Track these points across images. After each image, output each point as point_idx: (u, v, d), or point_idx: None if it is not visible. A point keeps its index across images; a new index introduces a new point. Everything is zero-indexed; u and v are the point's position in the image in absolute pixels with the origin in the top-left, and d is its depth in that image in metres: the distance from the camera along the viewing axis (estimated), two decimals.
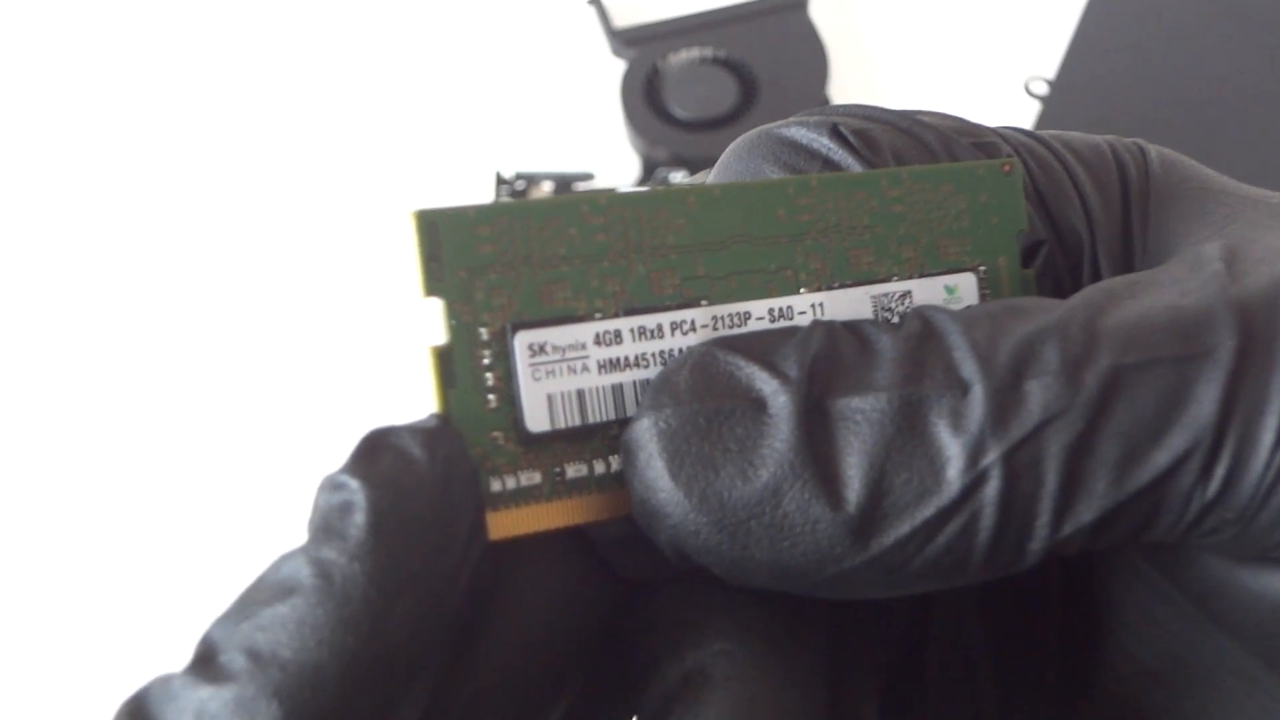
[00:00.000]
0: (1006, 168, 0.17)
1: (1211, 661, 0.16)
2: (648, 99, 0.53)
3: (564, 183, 0.52)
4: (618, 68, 0.54)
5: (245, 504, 0.45)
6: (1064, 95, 0.53)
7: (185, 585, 0.44)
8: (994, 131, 0.18)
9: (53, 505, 0.46)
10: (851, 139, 0.17)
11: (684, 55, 0.54)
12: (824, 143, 0.17)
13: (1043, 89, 0.53)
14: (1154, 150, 0.18)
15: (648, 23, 0.54)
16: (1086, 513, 0.14)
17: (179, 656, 0.13)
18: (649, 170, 0.53)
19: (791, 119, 0.17)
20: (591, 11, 0.56)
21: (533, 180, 0.52)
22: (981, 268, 0.17)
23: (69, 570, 0.45)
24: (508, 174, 0.52)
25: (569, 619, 0.15)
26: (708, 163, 0.56)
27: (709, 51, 0.54)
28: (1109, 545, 0.15)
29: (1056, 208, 0.17)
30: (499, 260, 0.15)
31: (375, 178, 0.53)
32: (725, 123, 0.52)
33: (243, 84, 0.56)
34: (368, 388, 0.47)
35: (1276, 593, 0.15)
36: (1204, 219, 0.17)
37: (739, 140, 0.18)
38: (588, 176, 0.53)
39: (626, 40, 0.54)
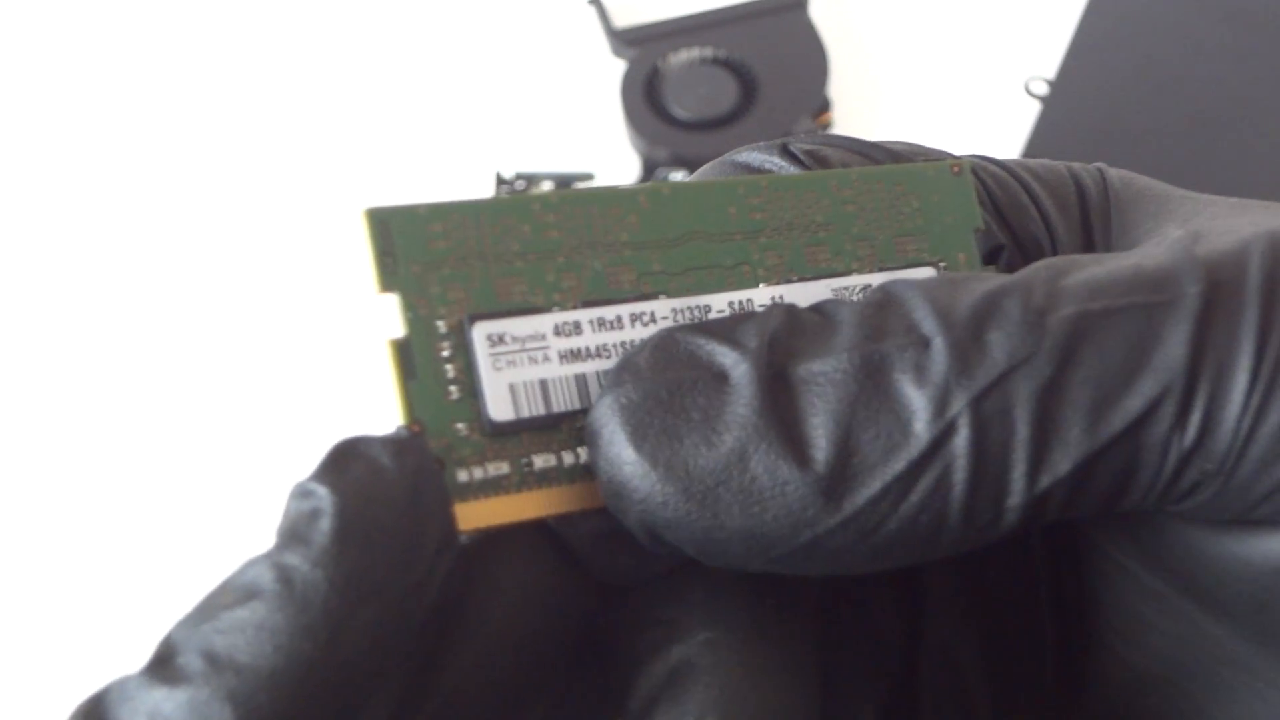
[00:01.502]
0: (955, 169, 0.17)
1: (1204, 656, 0.16)
2: (648, 99, 0.53)
3: (564, 183, 0.52)
4: (618, 68, 0.54)
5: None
6: (1064, 95, 0.53)
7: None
8: (947, 155, 0.18)
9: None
10: (801, 156, 0.17)
11: (684, 55, 0.54)
12: (774, 161, 0.17)
13: (1043, 89, 0.53)
14: (1114, 171, 0.18)
15: (648, 23, 0.54)
16: (1063, 461, 0.14)
17: (143, 656, 0.13)
18: (649, 170, 0.53)
19: (749, 145, 0.18)
20: (591, 11, 0.56)
21: (533, 180, 0.52)
22: (942, 264, 0.17)
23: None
24: (508, 174, 0.52)
25: (544, 623, 0.15)
26: (707, 162, 0.55)
27: (709, 51, 0.54)
28: (1090, 509, 0.14)
29: (1015, 219, 0.17)
30: (453, 255, 0.15)
31: (376, 178, 0.53)
32: (725, 123, 0.52)
33: (241, 84, 0.56)
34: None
35: (1265, 556, 0.15)
36: (1166, 218, 0.17)
37: (702, 168, 0.18)
38: (588, 176, 0.53)
39: (626, 40, 0.54)
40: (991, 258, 0.17)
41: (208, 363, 0.49)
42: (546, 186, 0.52)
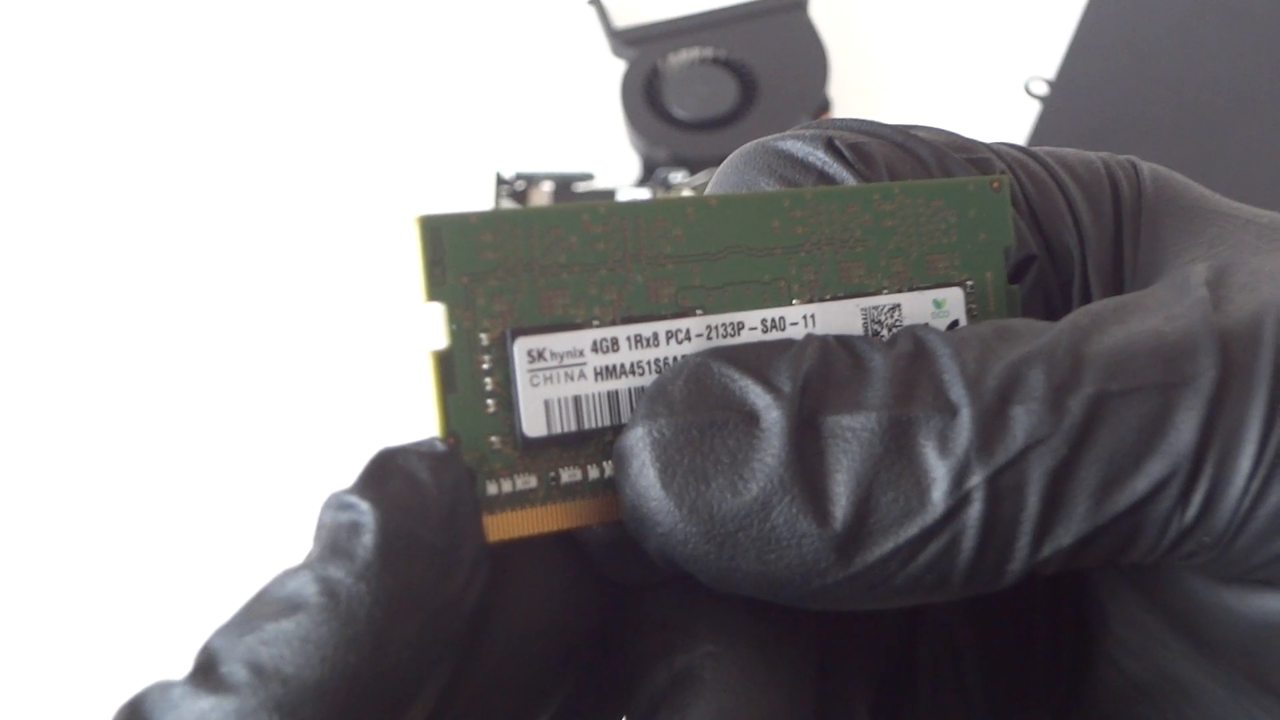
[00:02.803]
0: (995, 184, 0.17)
1: (1200, 674, 0.16)
2: (648, 99, 0.53)
3: (564, 183, 0.52)
4: (618, 68, 0.54)
5: (243, 506, 0.46)
6: (1064, 95, 0.53)
7: (183, 588, 0.44)
8: (988, 147, 0.18)
9: (56, 508, 0.46)
10: (846, 153, 0.17)
11: (684, 55, 0.54)
12: (819, 156, 0.17)
13: (1043, 89, 0.53)
14: (1147, 168, 0.18)
15: (648, 23, 0.54)
16: (1065, 536, 0.14)
17: (174, 659, 0.13)
18: (649, 170, 0.53)
19: (789, 132, 0.18)
20: (591, 11, 0.56)
21: (533, 180, 0.52)
22: (969, 282, 0.17)
23: (68, 572, 0.45)
24: (508, 174, 0.52)
25: (560, 622, 0.16)
26: (707, 163, 0.55)
27: (709, 51, 0.54)
28: (1087, 565, 0.15)
29: (1049, 223, 0.18)
30: (500, 266, 0.15)
31: (376, 178, 0.53)
32: (725, 123, 0.52)
33: (243, 87, 0.56)
34: (367, 391, 0.47)
35: (1257, 613, 0.15)
36: (1194, 238, 0.17)
37: (736, 152, 0.18)
38: (588, 177, 0.53)
39: (626, 40, 0.54)
40: (1022, 268, 0.18)
41: (206, 366, 0.49)
42: (546, 187, 0.52)
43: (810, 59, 0.54)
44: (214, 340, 0.49)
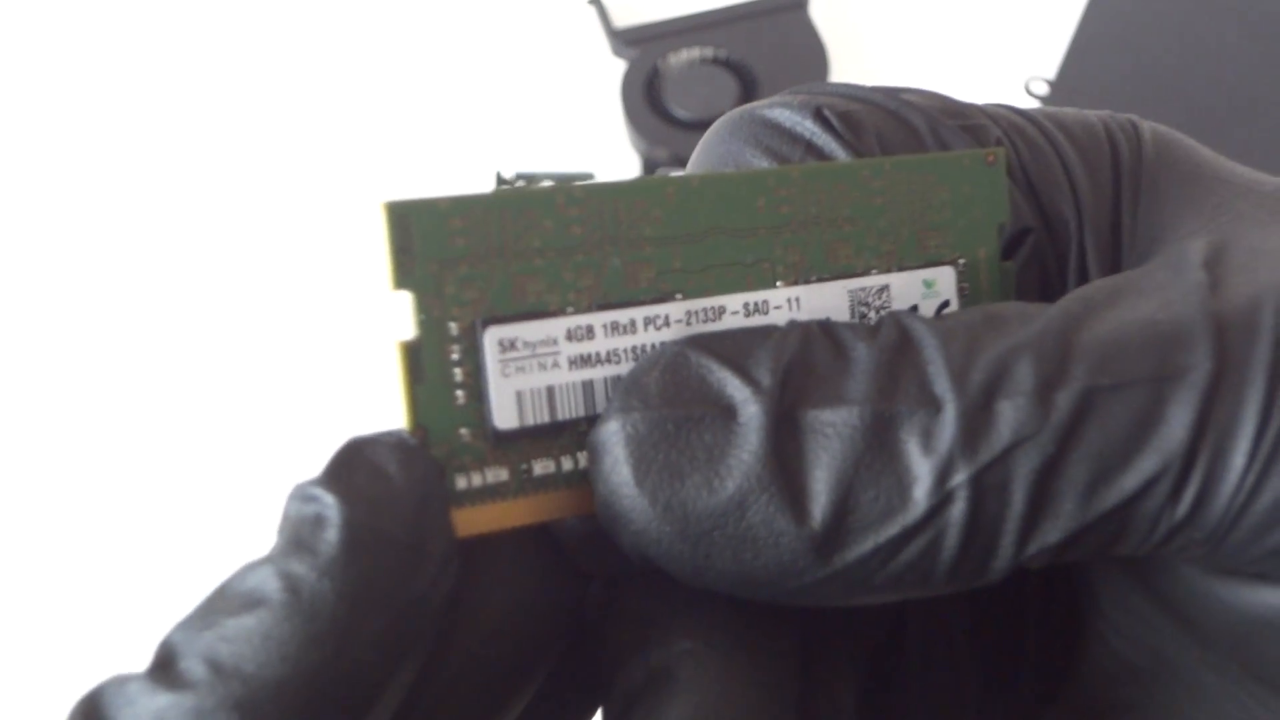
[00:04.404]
0: (990, 158, 0.17)
1: (1191, 658, 0.16)
2: (648, 99, 0.53)
3: (564, 183, 0.52)
4: (618, 68, 0.54)
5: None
6: (1064, 95, 0.53)
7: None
8: (983, 111, 0.17)
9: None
10: (835, 122, 0.17)
11: (684, 55, 0.54)
12: (808, 126, 0.17)
13: (1043, 89, 0.53)
14: (1148, 129, 0.18)
15: (648, 23, 0.54)
16: (1052, 534, 0.14)
17: (132, 650, 0.13)
18: (649, 170, 0.53)
19: (776, 98, 0.17)
20: (591, 11, 0.56)
21: (533, 180, 0.52)
22: (961, 260, 0.17)
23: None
24: (508, 174, 0.52)
25: (533, 614, 0.15)
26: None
27: (709, 51, 0.54)
28: (1074, 560, 0.15)
29: (1045, 192, 0.17)
30: (471, 253, 0.14)
31: (376, 178, 0.53)
32: None
33: (242, 84, 0.56)
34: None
35: (1249, 605, 0.15)
36: (1194, 208, 0.17)
37: (722, 119, 0.17)
38: (588, 176, 0.53)
39: (626, 40, 0.54)
40: (1017, 241, 0.17)
41: (205, 357, 0.49)
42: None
43: (810, 59, 0.54)
44: (210, 338, 0.49)
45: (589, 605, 0.16)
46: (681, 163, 0.52)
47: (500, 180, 0.52)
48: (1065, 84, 0.53)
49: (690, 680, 0.15)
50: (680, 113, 0.52)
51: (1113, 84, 0.53)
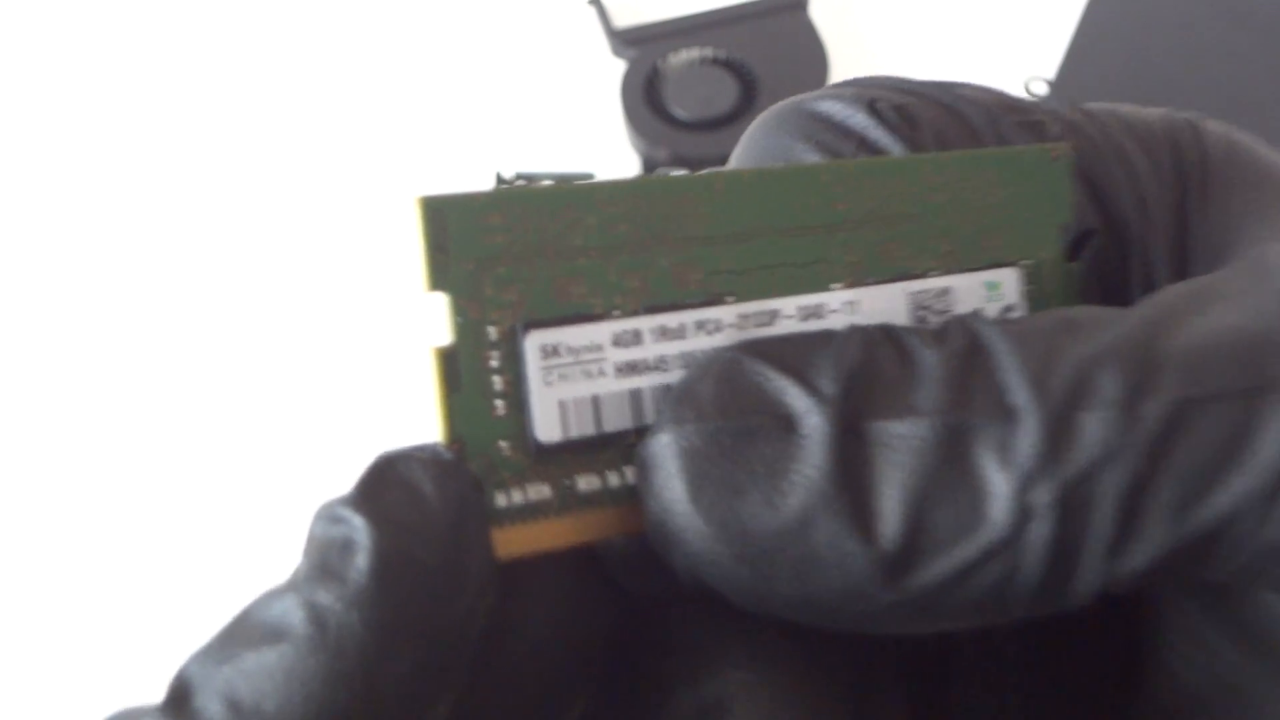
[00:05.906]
0: (1054, 153, 0.16)
1: (1264, 689, 0.15)
2: (648, 99, 0.53)
3: (563, 183, 0.52)
4: (618, 68, 0.54)
5: (231, 509, 0.45)
6: (1064, 95, 0.53)
7: (165, 593, 0.43)
8: (1041, 108, 0.17)
9: (44, 506, 0.46)
10: (890, 116, 0.16)
11: (684, 55, 0.53)
12: (860, 120, 0.16)
13: (1043, 89, 0.53)
14: (1211, 130, 0.17)
15: (648, 23, 0.54)
16: (1140, 556, 0.13)
17: (150, 672, 0.12)
18: (649, 170, 0.53)
19: (826, 90, 0.16)
20: (591, 11, 0.56)
21: (533, 180, 0.52)
22: (1025, 261, 0.16)
23: (59, 573, 0.45)
24: (508, 174, 0.52)
25: (573, 634, 0.15)
26: (708, 163, 0.55)
27: (709, 51, 0.54)
28: (1158, 583, 0.14)
29: (1106, 194, 0.16)
30: (510, 252, 0.13)
31: (376, 178, 0.53)
32: (725, 123, 0.52)
33: (242, 84, 0.56)
34: (365, 389, 0.47)
35: None
36: (1264, 216, 0.16)
37: (768, 112, 0.16)
38: (588, 177, 0.53)
39: (626, 40, 0.54)
40: (1081, 242, 0.16)
41: (201, 359, 0.49)
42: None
43: (810, 59, 0.54)
44: (208, 336, 0.49)
45: (629, 627, 0.15)
46: (681, 163, 0.52)
47: (500, 180, 0.52)
48: (1065, 84, 0.53)
49: (745, 713, 0.14)
50: (680, 113, 0.52)
51: (1113, 84, 0.53)
